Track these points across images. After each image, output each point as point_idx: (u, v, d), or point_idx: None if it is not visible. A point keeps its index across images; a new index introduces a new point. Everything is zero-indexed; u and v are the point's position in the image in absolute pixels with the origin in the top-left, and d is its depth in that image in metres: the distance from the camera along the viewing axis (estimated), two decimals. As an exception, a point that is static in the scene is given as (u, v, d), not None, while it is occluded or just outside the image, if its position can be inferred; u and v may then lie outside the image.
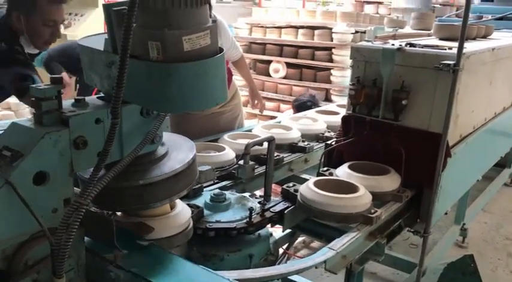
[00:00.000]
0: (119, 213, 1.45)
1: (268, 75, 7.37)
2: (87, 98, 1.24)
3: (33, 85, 1.12)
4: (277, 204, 1.87)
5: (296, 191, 1.91)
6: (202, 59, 1.15)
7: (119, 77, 1.04)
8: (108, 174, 1.11)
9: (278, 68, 7.13)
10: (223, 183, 2.10)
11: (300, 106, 4.57)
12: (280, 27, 7.17)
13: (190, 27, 1.13)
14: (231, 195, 1.86)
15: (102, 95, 1.31)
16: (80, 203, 1.04)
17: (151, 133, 1.28)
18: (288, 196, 1.93)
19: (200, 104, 1.22)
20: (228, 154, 2.23)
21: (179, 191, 1.39)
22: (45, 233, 1.05)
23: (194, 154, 1.45)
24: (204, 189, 1.93)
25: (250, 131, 2.77)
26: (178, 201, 1.54)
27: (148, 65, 1.14)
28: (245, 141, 2.11)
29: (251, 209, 1.69)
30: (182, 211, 1.49)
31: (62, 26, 2.50)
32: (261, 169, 2.19)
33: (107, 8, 1.20)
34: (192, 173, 1.44)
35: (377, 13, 8.93)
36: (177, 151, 1.45)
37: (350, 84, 2.23)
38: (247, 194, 1.96)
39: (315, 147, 2.64)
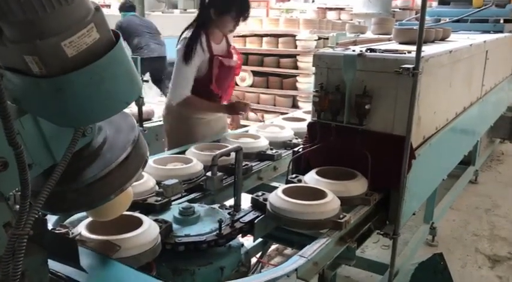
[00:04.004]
0: (83, 233, 1.41)
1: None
2: None
3: None
4: (247, 214, 1.86)
5: (265, 199, 1.90)
6: (95, 60, 0.99)
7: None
8: (41, 194, 1.01)
9: (244, 77, 7.14)
10: (192, 195, 2.08)
11: None
12: (244, 36, 7.19)
13: (67, 29, 0.95)
14: (200, 207, 1.84)
15: None
16: (17, 234, 0.95)
17: (78, 130, 1.13)
18: (258, 205, 1.92)
19: (108, 109, 1.09)
20: (196, 166, 2.21)
21: (132, 174, 1.26)
22: None
23: (136, 133, 1.28)
24: (172, 203, 1.91)
25: (218, 141, 2.76)
26: (145, 219, 1.52)
27: (34, 81, 0.99)
28: (213, 153, 2.09)
29: (220, 221, 1.67)
30: (149, 229, 1.47)
31: None
32: (230, 179, 2.17)
33: None
34: (139, 153, 1.28)
35: (339, 19, 9.06)
36: (117, 134, 1.29)
37: (314, 91, 2.25)
38: (216, 206, 1.94)
39: (283, 155, 2.65)
